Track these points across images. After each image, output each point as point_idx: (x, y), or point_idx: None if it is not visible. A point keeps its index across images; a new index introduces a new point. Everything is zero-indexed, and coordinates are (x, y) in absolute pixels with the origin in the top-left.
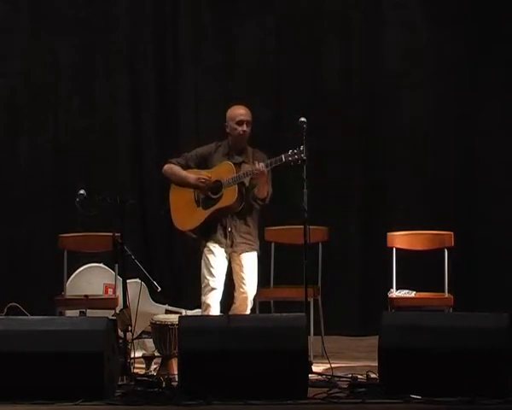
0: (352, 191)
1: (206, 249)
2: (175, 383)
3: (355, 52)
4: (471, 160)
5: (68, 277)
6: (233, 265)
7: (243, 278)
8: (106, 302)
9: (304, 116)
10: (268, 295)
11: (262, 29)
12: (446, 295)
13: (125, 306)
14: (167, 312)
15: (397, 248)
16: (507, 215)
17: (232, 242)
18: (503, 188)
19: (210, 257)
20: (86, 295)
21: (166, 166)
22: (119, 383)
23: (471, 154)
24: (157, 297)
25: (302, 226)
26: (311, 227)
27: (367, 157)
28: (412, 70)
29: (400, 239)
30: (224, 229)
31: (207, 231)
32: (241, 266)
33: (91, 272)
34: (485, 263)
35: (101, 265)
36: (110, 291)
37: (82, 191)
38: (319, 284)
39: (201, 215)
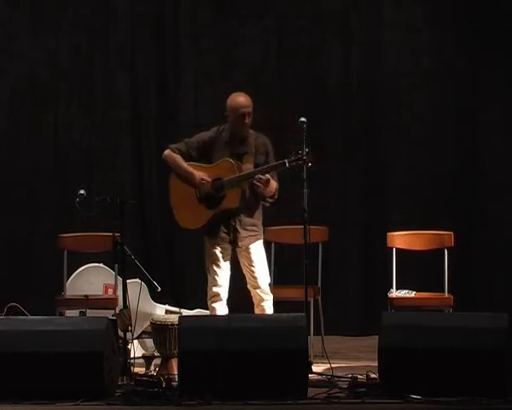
0: (352, 191)
1: (210, 254)
2: (175, 383)
3: (355, 52)
4: (471, 160)
5: (68, 277)
6: (241, 260)
7: (253, 272)
8: (106, 302)
9: (304, 116)
10: None
11: (262, 29)
12: (446, 295)
13: (125, 306)
14: (167, 312)
15: (397, 248)
16: (507, 215)
17: (236, 237)
18: (502, 188)
19: (215, 266)
20: (86, 295)
21: (168, 153)
22: (119, 383)
23: (471, 154)
24: (157, 297)
25: (302, 226)
26: (311, 227)
27: (367, 157)
28: (412, 70)
29: (400, 239)
30: (228, 223)
31: (211, 228)
32: (249, 259)
33: (91, 272)
34: (485, 263)
35: (101, 265)
36: (110, 291)
37: (82, 191)
38: (319, 284)
39: (206, 215)
